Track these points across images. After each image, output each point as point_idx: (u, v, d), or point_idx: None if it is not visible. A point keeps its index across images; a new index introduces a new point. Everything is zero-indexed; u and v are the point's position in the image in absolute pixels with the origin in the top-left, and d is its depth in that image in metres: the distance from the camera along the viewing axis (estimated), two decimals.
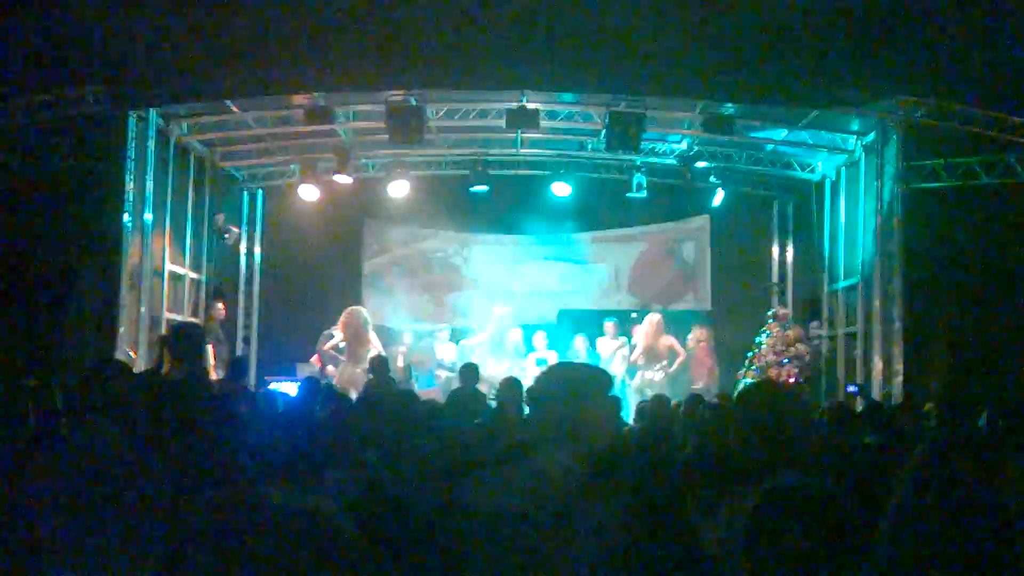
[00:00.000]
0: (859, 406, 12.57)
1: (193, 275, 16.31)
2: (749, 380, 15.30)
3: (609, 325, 16.59)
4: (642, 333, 16.04)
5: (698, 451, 5.06)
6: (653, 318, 16.03)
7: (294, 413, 7.15)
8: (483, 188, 16.98)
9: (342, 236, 18.16)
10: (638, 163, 16.72)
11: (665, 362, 15.78)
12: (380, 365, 11.81)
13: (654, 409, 8.57)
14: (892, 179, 14.06)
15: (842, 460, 4.38)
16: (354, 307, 15.81)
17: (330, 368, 15.57)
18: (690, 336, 16.35)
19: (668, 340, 15.86)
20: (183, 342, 6.92)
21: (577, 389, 3.19)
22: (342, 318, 15.40)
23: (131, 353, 13.50)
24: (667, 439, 6.19)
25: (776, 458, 3.20)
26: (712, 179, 16.96)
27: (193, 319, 15.54)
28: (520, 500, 3.00)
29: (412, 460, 4.54)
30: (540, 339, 16.33)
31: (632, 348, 16.16)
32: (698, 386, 15.21)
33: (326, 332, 15.88)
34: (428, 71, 13.28)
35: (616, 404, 9.37)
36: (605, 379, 3.31)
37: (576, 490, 2.99)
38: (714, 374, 15.97)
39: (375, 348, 14.38)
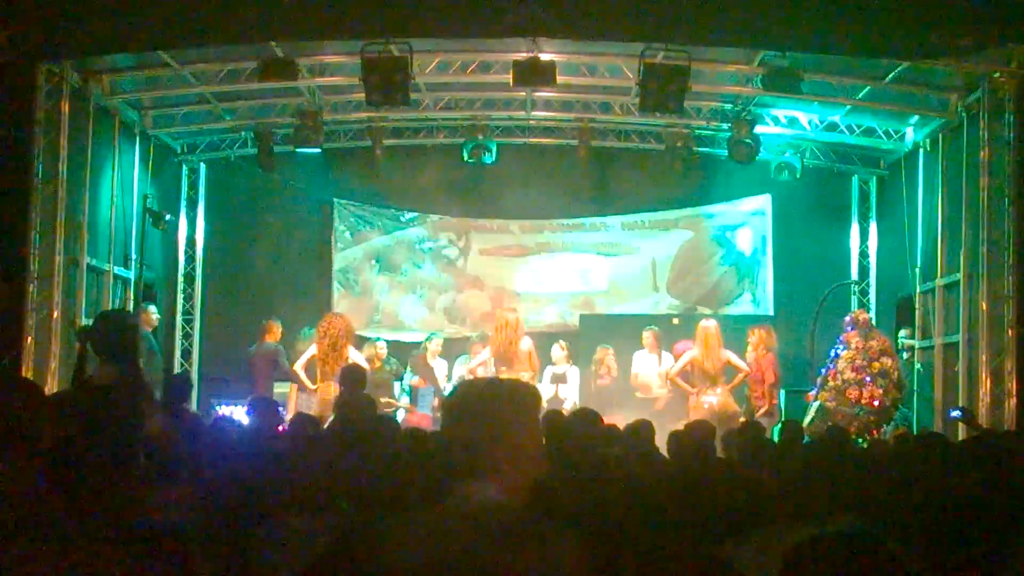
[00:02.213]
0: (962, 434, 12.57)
1: (119, 271, 16.33)
2: (822, 404, 15.28)
3: (649, 335, 16.43)
4: (698, 344, 15.90)
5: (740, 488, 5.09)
6: (709, 326, 15.84)
7: (244, 445, 7.14)
8: (485, 159, 17.00)
9: (307, 222, 18.18)
10: (680, 129, 16.73)
11: (723, 382, 15.68)
12: (353, 378, 11.80)
13: (693, 441, 8.54)
14: (1002, 149, 14.01)
15: (929, 504, 4.36)
16: (334, 314, 15.88)
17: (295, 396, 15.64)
18: (752, 340, 16.24)
19: (726, 354, 15.76)
20: (112, 336, 6.68)
21: (494, 410, 3.22)
22: (319, 325, 15.45)
23: (42, 370, 13.53)
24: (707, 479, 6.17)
25: (830, 500, 3.22)
26: (774, 149, 16.97)
27: None
28: (446, 547, 2.99)
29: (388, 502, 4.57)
30: (559, 351, 16.30)
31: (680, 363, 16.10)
32: (761, 411, 15.18)
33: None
34: (414, 13, 13.27)
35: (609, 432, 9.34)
36: (530, 397, 3.35)
37: (514, 532, 3.01)
38: (774, 396, 15.87)
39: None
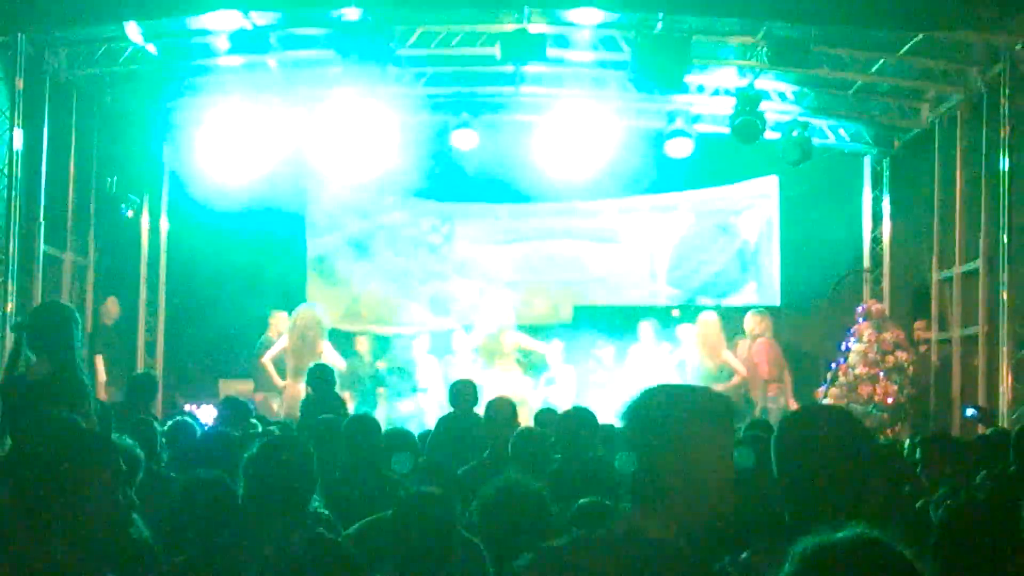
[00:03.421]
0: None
1: (76, 259, 16.28)
2: (832, 401, 15.31)
3: (646, 326, 16.49)
4: (696, 339, 15.95)
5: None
6: (708, 319, 15.94)
7: (210, 450, 7.15)
8: (469, 142, 16.99)
9: (278, 206, 18.10)
10: (679, 107, 16.72)
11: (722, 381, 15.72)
12: (322, 377, 11.80)
13: None
14: None
15: (948, 509, 4.35)
16: (304, 306, 15.87)
17: (273, 403, 15.63)
18: (747, 327, 16.27)
19: (726, 354, 15.83)
20: (45, 328, 6.81)
21: (681, 427, 2.95)
22: (290, 319, 15.44)
23: None
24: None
25: (830, 507, 3.14)
26: (780, 128, 16.95)
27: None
28: None
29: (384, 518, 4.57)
30: (555, 349, 16.27)
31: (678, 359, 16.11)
32: (771, 403, 15.21)
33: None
34: None
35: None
36: (725, 413, 3.09)
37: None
38: (784, 385, 15.91)
39: (331, 362, 14.39)
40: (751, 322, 16.33)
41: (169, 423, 9.04)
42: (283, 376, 15.57)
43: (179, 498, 5.47)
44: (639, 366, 16.24)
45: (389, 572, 4.31)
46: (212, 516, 4.95)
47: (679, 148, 16.87)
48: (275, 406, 15.44)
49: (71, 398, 6.60)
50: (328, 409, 10.00)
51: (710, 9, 14.00)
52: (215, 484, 5.20)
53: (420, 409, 15.80)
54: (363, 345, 16.67)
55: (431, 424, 13.86)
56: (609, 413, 11.58)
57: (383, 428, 7.97)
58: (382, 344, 17.19)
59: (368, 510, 5.79)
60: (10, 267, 14.03)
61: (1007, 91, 14.20)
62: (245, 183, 17.22)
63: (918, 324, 16.92)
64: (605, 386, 15.88)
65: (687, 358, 15.90)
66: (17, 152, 14.07)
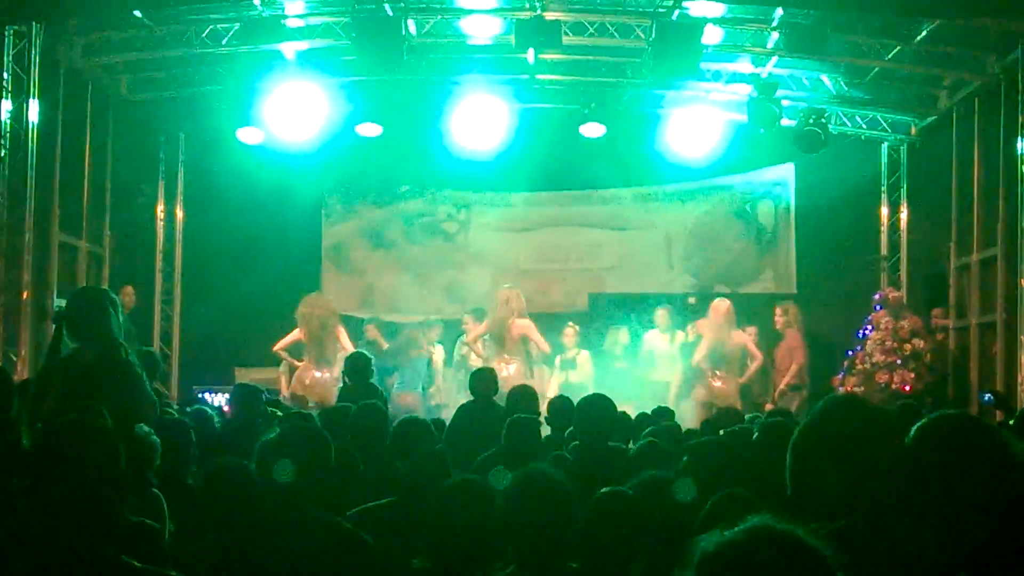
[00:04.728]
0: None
1: (92, 248, 16.32)
2: (849, 390, 15.29)
3: (662, 313, 16.49)
4: (706, 326, 15.94)
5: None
6: (721, 306, 15.90)
7: (225, 440, 7.17)
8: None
9: (293, 195, 18.12)
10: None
11: (735, 367, 15.70)
12: (359, 367, 11.76)
13: (721, 426, 8.59)
14: None
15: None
16: (316, 295, 15.86)
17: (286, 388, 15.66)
18: (776, 318, 16.25)
19: (740, 337, 15.77)
20: (82, 315, 6.86)
21: (856, 445, 2.92)
22: (301, 307, 15.41)
23: (11, 356, 13.54)
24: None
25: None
26: (796, 115, 16.94)
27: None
28: None
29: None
30: (570, 335, 16.26)
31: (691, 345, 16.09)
32: (786, 396, 15.20)
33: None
34: None
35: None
36: (891, 430, 3.02)
37: None
38: (804, 377, 15.90)
39: (346, 349, 14.40)
40: (781, 313, 16.26)
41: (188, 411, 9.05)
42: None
43: (200, 486, 5.50)
44: (652, 352, 16.25)
45: (427, 561, 4.35)
46: (232, 504, 4.98)
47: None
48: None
49: (124, 381, 6.68)
50: (364, 398, 9.98)
51: None
52: (236, 472, 5.23)
53: (433, 396, 15.84)
54: (372, 332, 16.65)
55: (438, 412, 13.95)
56: (625, 400, 11.60)
57: (397, 417, 7.98)
58: (392, 332, 17.20)
59: (372, 499, 5.80)
60: (26, 257, 14.06)
61: None
62: (260, 170, 17.24)
63: (936, 312, 16.88)
64: (622, 373, 15.88)
65: (703, 345, 15.83)
66: (32, 141, 14.10)
